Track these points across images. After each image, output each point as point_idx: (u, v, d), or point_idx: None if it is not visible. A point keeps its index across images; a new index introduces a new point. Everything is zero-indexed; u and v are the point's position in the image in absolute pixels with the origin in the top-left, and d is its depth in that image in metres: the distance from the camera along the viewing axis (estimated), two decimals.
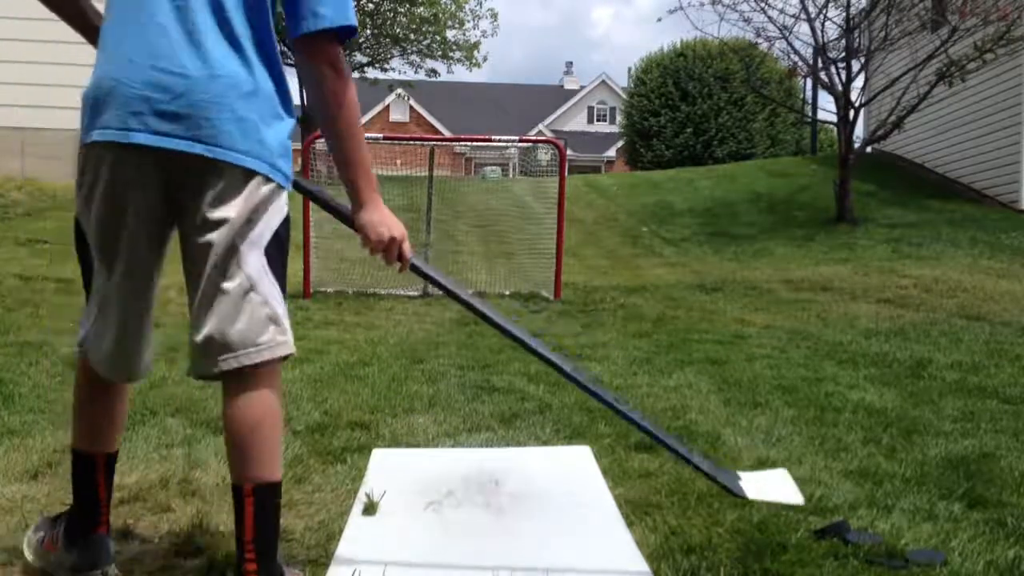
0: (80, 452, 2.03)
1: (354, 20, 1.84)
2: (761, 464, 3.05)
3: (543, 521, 2.50)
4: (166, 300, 7.19)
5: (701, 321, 6.74)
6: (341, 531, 2.37)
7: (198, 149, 1.74)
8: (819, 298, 7.95)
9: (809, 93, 19.64)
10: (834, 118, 13.09)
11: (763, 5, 13.02)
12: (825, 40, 12.95)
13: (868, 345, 5.63)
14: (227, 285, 1.79)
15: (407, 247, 2.03)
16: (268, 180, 1.81)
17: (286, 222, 1.89)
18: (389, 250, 2.01)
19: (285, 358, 1.87)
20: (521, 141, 9.65)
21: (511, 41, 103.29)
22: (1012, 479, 2.91)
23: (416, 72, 22.67)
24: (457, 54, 21.76)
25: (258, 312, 1.82)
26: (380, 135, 9.72)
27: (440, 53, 21.68)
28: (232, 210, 1.77)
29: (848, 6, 12.89)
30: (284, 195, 1.88)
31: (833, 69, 12.94)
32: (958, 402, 4.08)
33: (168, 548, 2.26)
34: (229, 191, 1.77)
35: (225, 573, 2.12)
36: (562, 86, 47.71)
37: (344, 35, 1.82)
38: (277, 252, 1.86)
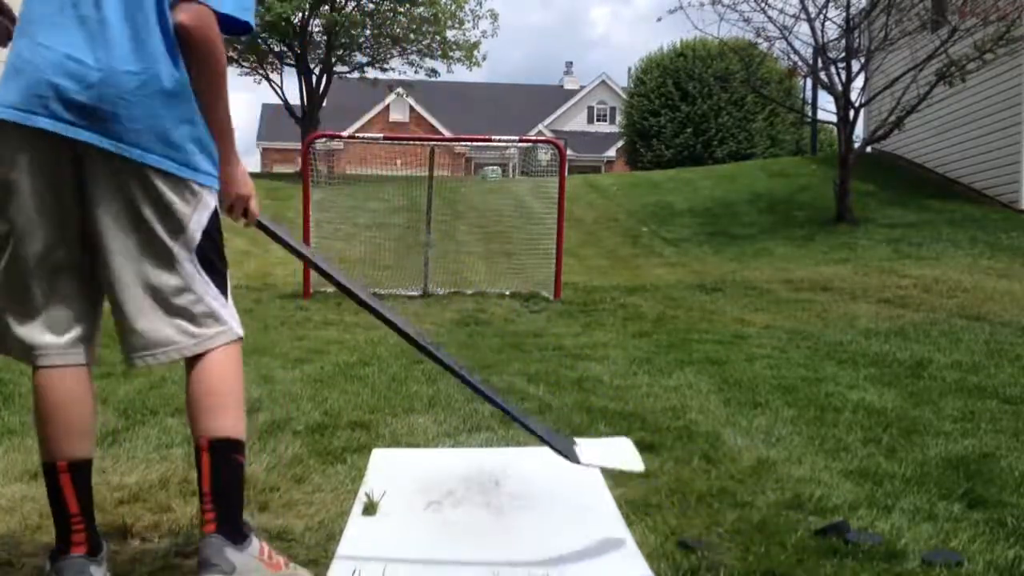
0: (43, 462, 1.94)
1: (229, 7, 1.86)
2: (761, 464, 3.05)
3: (543, 521, 2.50)
4: None
5: (701, 321, 6.74)
6: (341, 531, 2.37)
7: (106, 144, 1.77)
8: (819, 298, 7.95)
9: (809, 93, 19.67)
10: (834, 118, 13.10)
11: (763, 5, 13.04)
12: (825, 40, 12.97)
13: (868, 345, 5.63)
14: (162, 285, 1.87)
15: (254, 204, 2.08)
16: (186, 180, 1.85)
17: (214, 218, 1.93)
18: (236, 205, 2.05)
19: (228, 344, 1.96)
20: (521, 141, 9.67)
21: (510, 41, 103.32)
22: (1012, 479, 2.91)
23: (416, 72, 22.68)
24: (457, 54, 21.75)
25: (193, 309, 1.90)
26: (380, 135, 9.73)
27: (440, 53, 21.67)
28: (158, 211, 1.83)
29: (848, 6, 12.90)
30: (206, 193, 1.90)
31: (833, 69, 12.95)
32: (958, 402, 4.08)
33: (168, 548, 2.27)
34: (149, 191, 1.81)
35: None
36: (562, 86, 47.69)
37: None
38: (210, 249, 1.92)
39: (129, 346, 1.92)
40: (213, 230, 1.92)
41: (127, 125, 1.77)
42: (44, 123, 1.75)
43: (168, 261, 1.86)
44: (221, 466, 1.89)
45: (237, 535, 1.88)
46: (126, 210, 1.83)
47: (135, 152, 1.78)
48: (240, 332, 1.99)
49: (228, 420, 1.91)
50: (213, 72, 1.87)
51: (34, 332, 1.89)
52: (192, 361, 1.94)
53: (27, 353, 1.91)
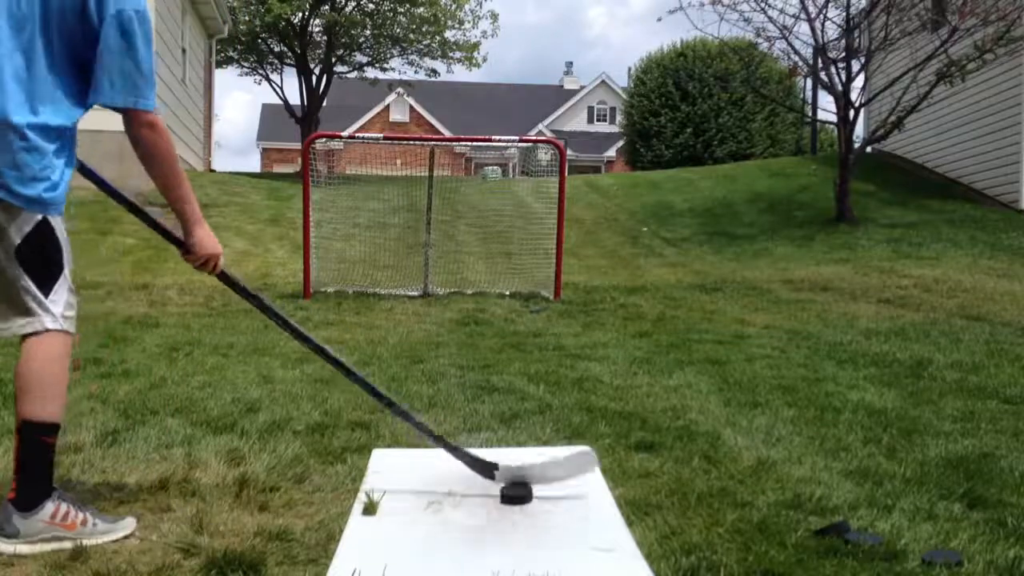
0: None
1: (143, 102, 2.25)
2: (761, 464, 3.05)
3: (543, 521, 2.50)
4: (166, 300, 7.19)
5: (701, 321, 6.74)
6: (341, 531, 2.37)
7: None
8: (819, 298, 7.95)
9: (809, 93, 19.66)
10: (834, 118, 13.09)
11: (763, 5, 13.01)
12: (825, 40, 12.96)
13: (868, 345, 5.63)
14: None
15: (221, 261, 2.54)
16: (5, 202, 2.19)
17: (36, 230, 2.24)
18: (207, 263, 2.50)
19: (39, 333, 2.29)
20: (521, 141, 9.65)
21: (507, 41, 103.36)
22: (1012, 479, 2.91)
23: (416, 72, 22.68)
24: (457, 54, 21.75)
25: (17, 301, 2.28)
26: (380, 135, 9.72)
27: (440, 53, 21.67)
28: None
29: (848, 6, 12.90)
30: (25, 212, 2.21)
31: (833, 69, 12.94)
32: (958, 402, 4.08)
33: (168, 548, 2.27)
34: None
35: (225, 573, 2.12)
36: (562, 86, 47.67)
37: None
38: (31, 255, 2.26)
39: None
40: (35, 240, 2.25)
41: None
42: None
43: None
44: (25, 443, 2.24)
45: (28, 503, 2.23)
46: None
47: None
48: (51, 326, 2.28)
49: (35, 404, 2.24)
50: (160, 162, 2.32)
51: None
52: (22, 346, 2.31)
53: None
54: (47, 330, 2.28)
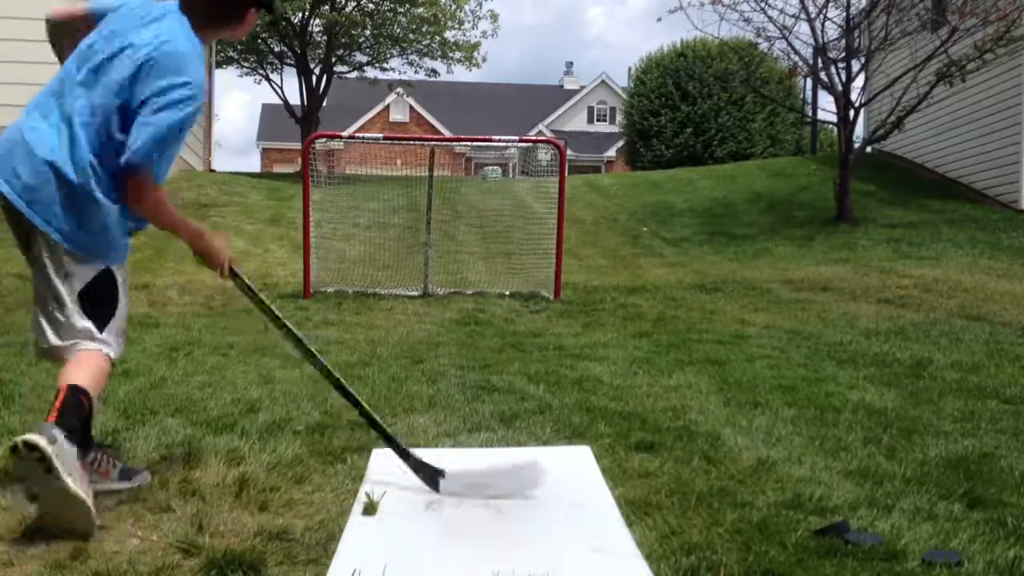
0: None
1: (139, 159, 2.49)
2: (761, 464, 3.05)
3: (543, 521, 2.50)
4: (166, 300, 7.20)
5: (701, 321, 6.74)
6: (341, 531, 2.37)
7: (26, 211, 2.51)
8: (819, 298, 7.95)
9: (809, 93, 19.66)
10: (834, 118, 13.09)
11: (763, 5, 13.01)
12: (825, 40, 12.96)
13: (868, 345, 5.63)
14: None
15: (226, 265, 2.79)
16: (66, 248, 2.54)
17: (97, 279, 2.61)
18: (219, 272, 2.79)
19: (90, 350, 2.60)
20: (521, 141, 9.65)
21: (509, 41, 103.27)
22: (1012, 479, 2.91)
23: (416, 72, 22.65)
24: (457, 54, 21.72)
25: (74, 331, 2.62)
26: (380, 135, 9.71)
27: (440, 53, 21.65)
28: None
29: (848, 6, 12.89)
30: (85, 261, 2.57)
31: (833, 69, 12.94)
32: (958, 402, 4.08)
33: (168, 548, 2.27)
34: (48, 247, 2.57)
35: (225, 573, 2.12)
36: (562, 86, 47.65)
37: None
38: (91, 293, 2.60)
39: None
40: (96, 287, 2.60)
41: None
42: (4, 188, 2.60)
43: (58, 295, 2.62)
44: (70, 397, 2.43)
45: (69, 432, 2.34)
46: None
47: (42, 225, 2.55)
48: (105, 351, 2.60)
49: (81, 379, 2.48)
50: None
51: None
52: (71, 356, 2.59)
53: None
54: (99, 352, 2.59)
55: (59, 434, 2.29)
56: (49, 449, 2.23)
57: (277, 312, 2.91)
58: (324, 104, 21.34)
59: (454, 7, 21.03)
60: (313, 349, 2.94)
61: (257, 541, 2.30)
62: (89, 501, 2.29)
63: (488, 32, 32.45)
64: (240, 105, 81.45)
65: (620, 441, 3.33)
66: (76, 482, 2.27)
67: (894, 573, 2.18)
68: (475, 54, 21.85)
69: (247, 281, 2.83)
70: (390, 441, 2.88)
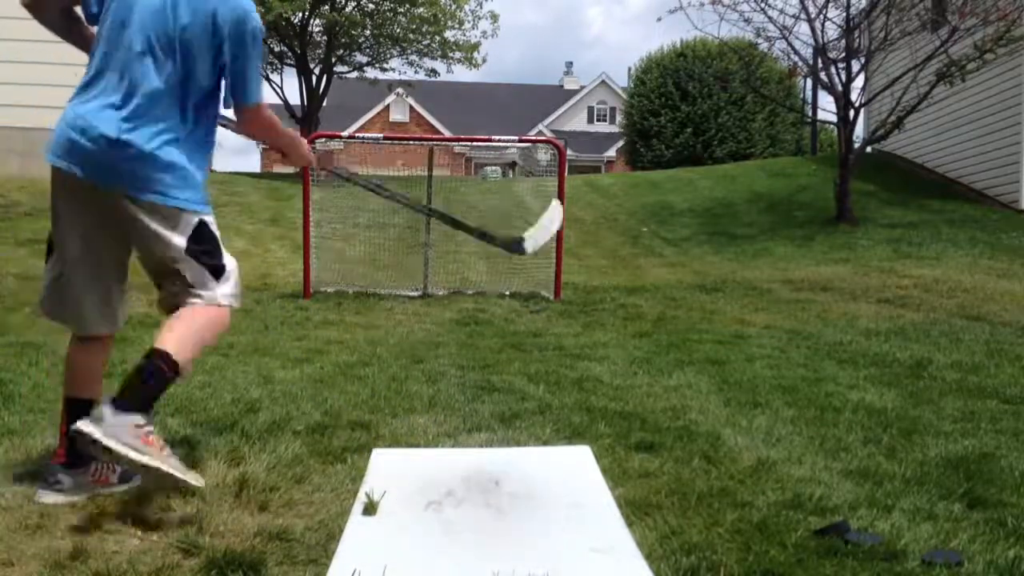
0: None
1: (250, 97, 2.75)
2: (761, 464, 3.05)
3: (543, 521, 2.50)
4: None
5: (701, 321, 6.74)
6: (341, 531, 2.37)
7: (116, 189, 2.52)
8: (819, 298, 7.95)
9: (809, 93, 19.66)
10: (834, 118, 13.09)
11: (763, 5, 13.01)
12: (825, 40, 12.96)
13: (868, 345, 5.63)
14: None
15: (315, 163, 3.32)
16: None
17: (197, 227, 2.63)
18: (310, 167, 3.27)
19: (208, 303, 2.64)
20: (521, 141, 9.64)
21: (509, 41, 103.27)
22: (1012, 479, 2.91)
23: (416, 72, 22.64)
24: (457, 54, 21.71)
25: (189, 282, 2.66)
26: (380, 135, 9.71)
27: (440, 53, 21.64)
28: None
29: (848, 6, 12.89)
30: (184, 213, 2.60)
31: (833, 69, 12.94)
32: (958, 402, 4.08)
33: (168, 548, 2.27)
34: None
35: (225, 573, 2.12)
36: (562, 86, 47.64)
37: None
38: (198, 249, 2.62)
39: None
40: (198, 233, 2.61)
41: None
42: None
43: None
44: (146, 363, 2.43)
45: (124, 407, 2.34)
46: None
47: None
48: (223, 302, 2.64)
49: (174, 343, 2.46)
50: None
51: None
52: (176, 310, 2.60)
53: None
54: (220, 305, 2.63)
55: (107, 411, 2.29)
56: (96, 433, 2.24)
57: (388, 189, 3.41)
58: (324, 104, 21.35)
59: (454, 7, 21.03)
60: (452, 215, 3.40)
61: (257, 541, 2.30)
62: (163, 465, 2.32)
63: (488, 32, 32.38)
64: None
65: (620, 441, 3.34)
66: (142, 453, 2.28)
67: (894, 573, 2.18)
68: (475, 54, 21.84)
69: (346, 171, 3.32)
70: (468, 229, 3.38)
